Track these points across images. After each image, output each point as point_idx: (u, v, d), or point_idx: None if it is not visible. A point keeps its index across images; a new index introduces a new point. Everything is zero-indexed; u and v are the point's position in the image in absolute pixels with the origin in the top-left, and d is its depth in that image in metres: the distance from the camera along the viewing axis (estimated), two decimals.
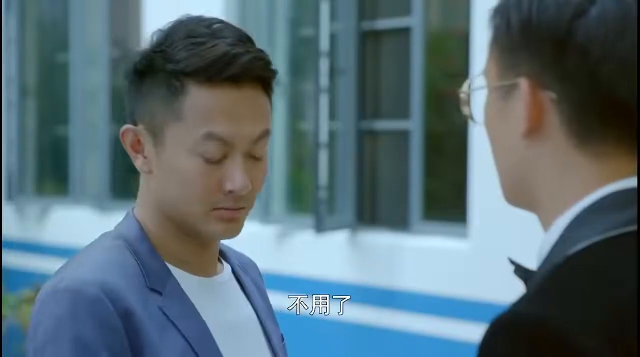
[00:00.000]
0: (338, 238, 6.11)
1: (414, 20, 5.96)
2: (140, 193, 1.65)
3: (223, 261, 1.74)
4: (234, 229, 1.61)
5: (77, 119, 8.23)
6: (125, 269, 1.57)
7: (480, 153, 5.34)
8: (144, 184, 1.63)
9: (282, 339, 1.77)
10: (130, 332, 1.51)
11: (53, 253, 7.98)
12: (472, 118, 1.30)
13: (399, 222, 6.07)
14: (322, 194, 5.98)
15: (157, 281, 1.58)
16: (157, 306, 1.56)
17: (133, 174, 7.37)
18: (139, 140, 1.61)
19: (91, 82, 8.15)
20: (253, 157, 1.59)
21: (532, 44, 1.19)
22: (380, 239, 6.00)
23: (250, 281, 1.77)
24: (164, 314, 1.56)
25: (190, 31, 1.57)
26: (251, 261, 1.88)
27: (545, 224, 1.21)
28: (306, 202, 6.66)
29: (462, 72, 5.68)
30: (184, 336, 1.56)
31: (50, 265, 7.73)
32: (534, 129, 1.19)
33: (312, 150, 6.16)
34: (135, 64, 1.60)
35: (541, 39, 1.18)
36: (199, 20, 1.60)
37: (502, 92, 1.22)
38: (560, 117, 1.18)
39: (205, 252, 1.66)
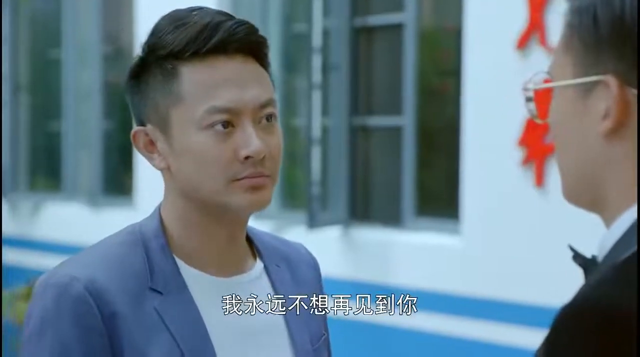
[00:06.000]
0: (331, 234, 6.11)
1: (407, 17, 5.96)
2: (164, 190, 1.64)
3: (257, 258, 1.70)
4: (262, 199, 1.57)
5: (70, 116, 8.22)
6: (125, 267, 1.55)
7: (473, 149, 5.34)
8: (165, 181, 1.63)
9: (319, 339, 1.73)
10: (112, 333, 1.50)
11: (46, 249, 7.97)
12: (535, 116, 1.27)
13: (392, 218, 6.07)
14: (315, 190, 5.98)
15: (160, 281, 1.56)
16: (153, 307, 1.54)
17: (125, 171, 7.32)
18: (150, 141, 1.60)
19: (84, 79, 8.14)
20: (264, 127, 1.58)
21: (624, 41, 1.17)
22: (373, 235, 6.00)
23: (290, 278, 1.74)
24: (159, 315, 1.54)
25: (173, 17, 1.59)
26: (308, 255, 1.88)
27: (610, 223, 1.20)
28: (299, 198, 6.66)
29: (455, 68, 5.69)
30: (174, 339, 1.53)
31: (43, 261, 7.72)
32: (617, 128, 1.18)
33: (305, 146, 6.16)
34: (130, 70, 1.62)
35: (635, 36, 1.16)
36: (183, 9, 1.62)
37: (581, 90, 1.20)
38: None
39: (229, 247, 1.63)
